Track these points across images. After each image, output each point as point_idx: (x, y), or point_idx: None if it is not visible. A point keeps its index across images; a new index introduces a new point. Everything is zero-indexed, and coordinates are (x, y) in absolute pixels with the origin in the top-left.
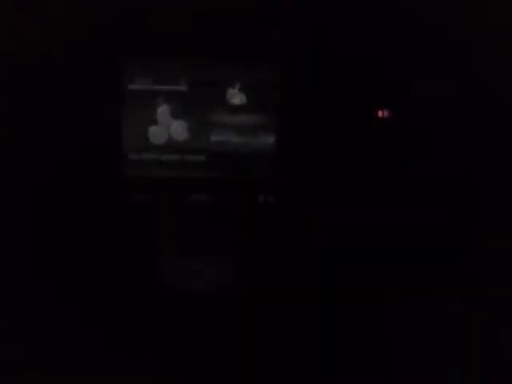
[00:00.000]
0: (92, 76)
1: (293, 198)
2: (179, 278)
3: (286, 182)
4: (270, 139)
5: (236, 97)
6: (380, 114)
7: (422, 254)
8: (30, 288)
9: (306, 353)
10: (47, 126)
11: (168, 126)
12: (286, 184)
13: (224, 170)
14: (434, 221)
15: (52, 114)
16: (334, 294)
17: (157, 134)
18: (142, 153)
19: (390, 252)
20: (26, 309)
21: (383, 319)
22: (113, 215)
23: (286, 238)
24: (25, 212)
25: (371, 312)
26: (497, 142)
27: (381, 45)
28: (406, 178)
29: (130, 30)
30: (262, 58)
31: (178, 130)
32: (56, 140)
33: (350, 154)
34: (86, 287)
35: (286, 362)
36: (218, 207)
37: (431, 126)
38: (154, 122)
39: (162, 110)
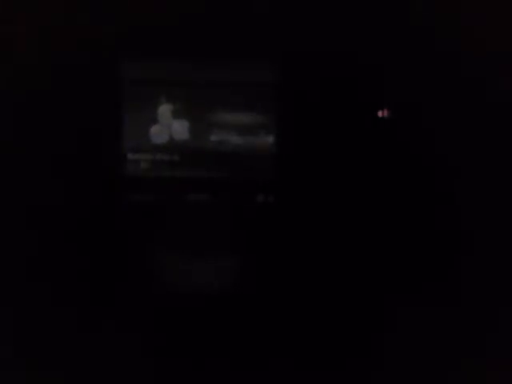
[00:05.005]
0: (92, 76)
1: (293, 198)
2: (179, 278)
3: (286, 181)
4: (269, 139)
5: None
6: (380, 113)
7: (421, 254)
8: (27, 288)
9: (306, 352)
10: (46, 126)
11: (169, 126)
12: (286, 184)
13: (224, 169)
14: (435, 221)
15: (51, 113)
16: (334, 294)
17: (158, 133)
18: (141, 153)
19: (390, 251)
20: (23, 309)
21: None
22: (112, 215)
23: (286, 237)
24: (23, 212)
25: (372, 312)
26: (497, 141)
27: (381, 44)
28: (406, 177)
29: (130, 30)
30: (262, 58)
31: (179, 129)
32: (55, 139)
33: (351, 153)
34: (85, 287)
35: (286, 362)
36: (217, 207)
37: (433, 126)
38: (154, 122)
39: (164, 109)
